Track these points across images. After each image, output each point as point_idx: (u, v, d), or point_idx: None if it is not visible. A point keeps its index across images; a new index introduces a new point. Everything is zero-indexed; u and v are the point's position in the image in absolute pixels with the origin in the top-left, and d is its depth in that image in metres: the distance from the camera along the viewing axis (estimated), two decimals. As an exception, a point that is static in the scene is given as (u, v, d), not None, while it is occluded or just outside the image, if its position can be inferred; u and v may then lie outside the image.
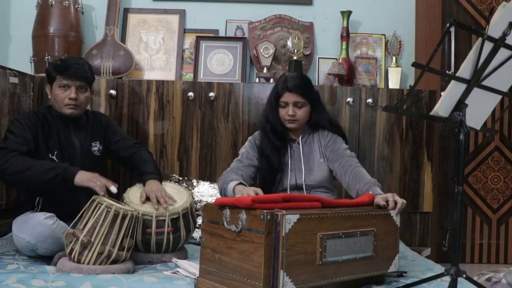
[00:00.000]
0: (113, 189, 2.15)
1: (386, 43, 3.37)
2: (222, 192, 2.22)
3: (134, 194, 2.29)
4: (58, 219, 2.17)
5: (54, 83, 2.33)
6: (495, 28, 1.64)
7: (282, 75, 2.41)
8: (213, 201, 1.83)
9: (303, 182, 2.33)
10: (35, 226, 2.11)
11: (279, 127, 2.35)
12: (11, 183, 2.39)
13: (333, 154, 2.33)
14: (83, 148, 2.40)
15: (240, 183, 2.13)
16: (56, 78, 2.32)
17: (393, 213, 1.90)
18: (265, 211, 1.59)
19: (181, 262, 2.05)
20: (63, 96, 2.32)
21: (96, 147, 2.45)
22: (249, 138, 2.48)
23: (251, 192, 1.96)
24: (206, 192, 2.77)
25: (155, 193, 2.24)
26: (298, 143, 2.39)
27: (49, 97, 2.40)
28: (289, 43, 3.16)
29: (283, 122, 2.34)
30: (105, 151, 2.51)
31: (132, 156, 2.49)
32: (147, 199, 2.27)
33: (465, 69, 1.69)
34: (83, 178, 2.16)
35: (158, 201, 2.22)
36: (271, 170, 2.35)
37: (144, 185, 2.34)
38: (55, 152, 2.32)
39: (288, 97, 2.29)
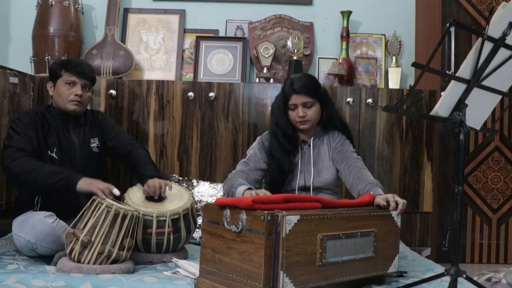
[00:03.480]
0: (116, 191, 2.14)
1: (386, 43, 3.37)
2: (229, 196, 2.19)
3: (134, 194, 2.30)
4: (58, 218, 2.17)
5: (60, 79, 2.38)
6: (495, 28, 1.64)
7: (288, 77, 2.39)
8: (213, 201, 1.83)
9: (311, 184, 2.33)
10: (35, 224, 2.11)
11: (289, 131, 2.32)
12: (14, 182, 2.40)
13: (340, 156, 2.33)
14: (82, 146, 2.42)
15: (250, 188, 2.09)
16: (63, 75, 2.38)
17: (394, 213, 1.90)
18: (266, 211, 1.59)
19: (181, 262, 2.05)
20: (69, 92, 2.37)
21: (94, 143, 2.47)
22: (258, 138, 2.43)
23: (260, 193, 1.93)
24: (206, 192, 2.77)
25: (155, 185, 2.27)
26: (309, 145, 2.38)
27: (50, 94, 2.44)
28: (289, 43, 3.15)
29: (294, 125, 2.32)
30: (103, 148, 2.52)
31: (129, 153, 2.49)
32: (147, 198, 2.28)
33: (465, 69, 1.69)
34: (85, 183, 2.15)
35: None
36: (281, 172, 2.33)
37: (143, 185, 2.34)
38: (55, 149, 2.33)
39: (296, 99, 2.28)
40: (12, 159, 2.19)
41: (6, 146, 2.24)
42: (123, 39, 3.36)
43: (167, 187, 2.29)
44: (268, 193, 1.95)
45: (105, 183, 2.16)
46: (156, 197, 2.27)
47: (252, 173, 2.29)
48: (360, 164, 2.26)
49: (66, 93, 2.37)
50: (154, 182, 2.28)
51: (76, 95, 2.36)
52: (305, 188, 2.34)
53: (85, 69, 2.42)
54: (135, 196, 2.28)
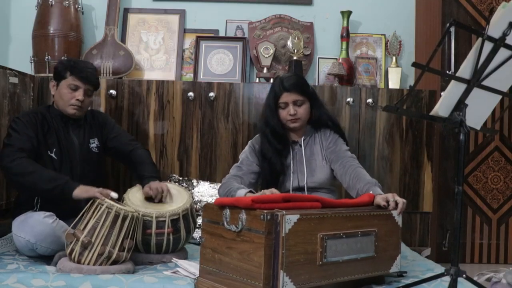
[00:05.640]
0: (114, 194, 2.13)
1: (386, 43, 3.37)
2: None
3: (134, 195, 2.30)
4: (58, 218, 2.17)
5: (64, 81, 2.36)
6: (495, 28, 1.64)
7: (276, 77, 2.41)
8: (213, 201, 1.83)
9: (305, 184, 2.33)
10: (34, 225, 2.11)
11: (280, 130, 2.33)
12: (11, 182, 2.40)
13: (334, 155, 2.33)
14: (81, 146, 2.42)
15: (251, 191, 2.10)
16: (67, 77, 2.35)
17: (394, 213, 1.89)
18: (265, 211, 1.59)
19: (181, 262, 2.05)
20: (70, 96, 2.35)
21: (94, 144, 2.47)
22: (249, 142, 2.45)
23: (267, 193, 1.93)
24: (206, 192, 2.77)
25: (158, 188, 2.28)
26: (300, 145, 2.38)
27: (52, 93, 2.42)
28: (289, 43, 3.15)
29: (285, 124, 2.33)
30: (103, 148, 2.52)
31: (129, 153, 2.50)
32: (147, 199, 2.28)
33: (465, 69, 1.69)
34: (81, 191, 2.14)
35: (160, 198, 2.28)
36: (274, 173, 2.34)
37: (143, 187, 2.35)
38: (54, 150, 2.33)
39: (287, 97, 2.29)
40: (11, 158, 2.18)
41: (6, 145, 2.23)
42: (123, 39, 3.36)
43: (168, 194, 2.30)
44: (276, 192, 1.94)
45: (102, 189, 2.15)
46: (156, 200, 2.27)
47: (246, 176, 2.30)
48: (355, 163, 2.26)
49: (68, 96, 2.34)
50: (157, 185, 2.28)
51: (77, 100, 2.34)
52: (299, 189, 2.34)
53: (91, 74, 2.39)
54: (134, 196, 2.28)
